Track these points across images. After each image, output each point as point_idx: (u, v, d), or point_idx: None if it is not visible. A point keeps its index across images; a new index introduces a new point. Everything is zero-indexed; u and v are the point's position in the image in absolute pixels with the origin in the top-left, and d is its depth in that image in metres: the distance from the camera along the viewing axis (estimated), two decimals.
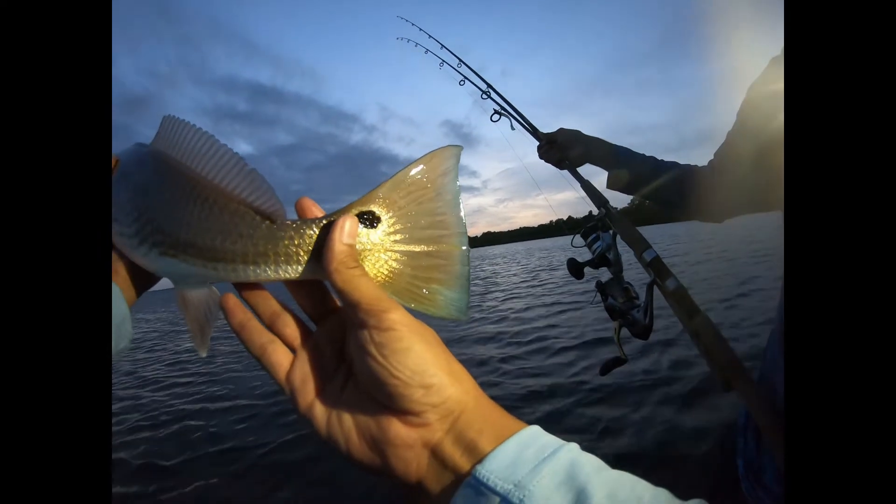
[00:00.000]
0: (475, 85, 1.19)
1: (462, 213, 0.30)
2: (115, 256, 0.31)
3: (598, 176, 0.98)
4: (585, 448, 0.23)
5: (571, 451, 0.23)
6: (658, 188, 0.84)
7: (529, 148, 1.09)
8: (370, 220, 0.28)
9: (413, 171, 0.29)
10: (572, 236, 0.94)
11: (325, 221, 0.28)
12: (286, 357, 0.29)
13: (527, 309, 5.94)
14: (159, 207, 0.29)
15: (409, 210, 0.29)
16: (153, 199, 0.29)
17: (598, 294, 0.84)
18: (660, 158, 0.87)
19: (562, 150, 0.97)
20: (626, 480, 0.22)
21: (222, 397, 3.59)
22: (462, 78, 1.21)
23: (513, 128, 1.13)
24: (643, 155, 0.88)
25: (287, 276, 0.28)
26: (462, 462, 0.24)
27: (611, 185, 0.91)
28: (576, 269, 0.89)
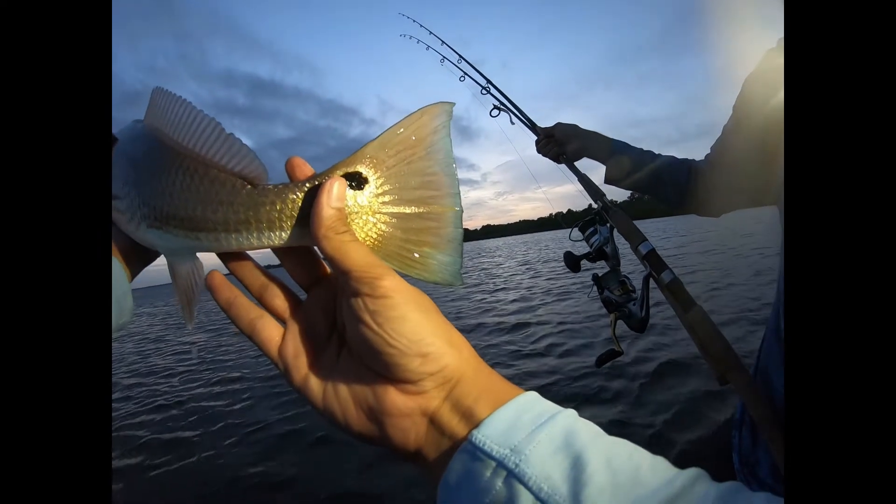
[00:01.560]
0: (475, 81, 1.19)
1: (455, 173, 0.28)
2: (114, 232, 0.31)
3: (596, 170, 0.98)
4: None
5: (569, 417, 0.22)
6: (654, 182, 0.84)
7: (528, 142, 1.09)
8: (357, 181, 0.27)
9: (402, 130, 0.27)
10: (570, 230, 0.94)
11: (308, 185, 0.27)
12: (277, 331, 0.28)
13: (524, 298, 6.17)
14: (145, 180, 0.28)
15: (398, 170, 0.28)
16: (140, 172, 0.29)
17: (595, 287, 0.85)
18: (657, 152, 0.87)
19: (559, 144, 0.97)
20: (624, 447, 0.21)
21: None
22: (462, 74, 1.21)
23: (512, 122, 1.13)
24: (640, 149, 0.88)
25: (272, 243, 0.27)
26: (459, 428, 0.23)
27: (608, 179, 0.91)
28: (572, 262, 0.89)
